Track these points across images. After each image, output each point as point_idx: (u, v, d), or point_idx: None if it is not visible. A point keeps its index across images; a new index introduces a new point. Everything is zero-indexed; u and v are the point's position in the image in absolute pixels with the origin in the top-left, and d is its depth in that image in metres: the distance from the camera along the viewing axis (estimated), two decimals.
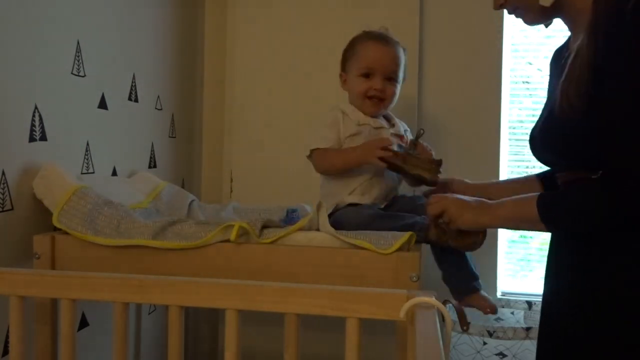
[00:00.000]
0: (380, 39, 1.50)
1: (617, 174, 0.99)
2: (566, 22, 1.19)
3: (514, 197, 1.18)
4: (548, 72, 1.28)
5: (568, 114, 1.04)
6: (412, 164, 1.36)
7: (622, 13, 0.96)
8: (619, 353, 1.04)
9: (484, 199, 1.24)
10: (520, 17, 1.21)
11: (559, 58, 1.19)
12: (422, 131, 1.42)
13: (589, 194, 1.05)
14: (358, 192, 1.45)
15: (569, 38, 1.20)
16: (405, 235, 1.25)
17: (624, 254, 1.05)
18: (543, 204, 1.10)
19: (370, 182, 1.45)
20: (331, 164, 1.46)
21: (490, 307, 1.37)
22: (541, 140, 1.17)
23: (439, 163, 1.38)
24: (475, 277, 1.37)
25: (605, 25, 1.00)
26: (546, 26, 1.24)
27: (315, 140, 1.47)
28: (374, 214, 1.40)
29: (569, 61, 1.06)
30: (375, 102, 1.48)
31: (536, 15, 1.18)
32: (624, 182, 0.98)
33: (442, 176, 1.40)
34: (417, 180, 1.40)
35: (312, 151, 1.47)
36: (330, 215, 1.40)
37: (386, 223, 1.34)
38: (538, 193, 1.13)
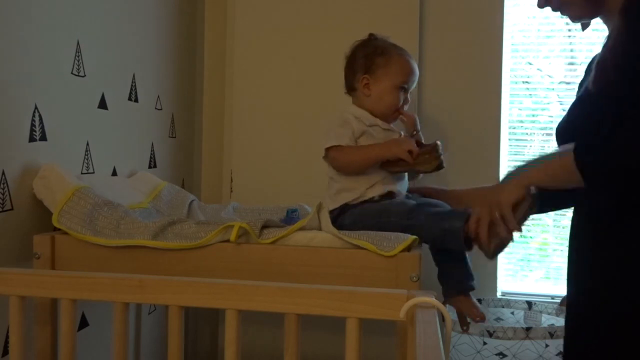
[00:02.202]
0: (411, 56, 1.55)
1: None
2: (605, 20, 1.18)
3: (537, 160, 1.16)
4: (583, 74, 1.28)
5: (605, 88, 1.05)
6: (420, 161, 1.41)
7: None
8: None
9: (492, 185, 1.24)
10: (566, 14, 1.20)
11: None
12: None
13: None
14: (379, 186, 1.45)
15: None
16: (409, 238, 1.25)
17: None
18: (580, 150, 1.05)
19: (392, 177, 1.47)
20: (351, 160, 1.45)
21: (480, 316, 1.38)
22: (570, 129, 1.18)
23: (435, 148, 1.41)
24: (471, 277, 1.38)
25: (637, 8, 1.02)
26: (585, 27, 1.23)
27: (328, 139, 1.46)
28: (421, 202, 1.42)
29: (604, 44, 1.09)
30: (397, 115, 1.54)
31: (581, 10, 1.17)
32: None
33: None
34: (420, 172, 1.45)
35: (327, 150, 1.46)
36: (345, 211, 1.42)
37: (429, 209, 1.36)
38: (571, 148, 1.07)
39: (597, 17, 1.20)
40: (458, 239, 1.27)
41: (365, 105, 1.52)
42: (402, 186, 1.50)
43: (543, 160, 1.15)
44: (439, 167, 1.42)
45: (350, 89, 1.57)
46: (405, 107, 1.56)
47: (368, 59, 1.53)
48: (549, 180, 1.13)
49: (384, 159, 1.43)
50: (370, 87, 1.51)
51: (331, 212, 1.42)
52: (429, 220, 1.32)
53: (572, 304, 1.21)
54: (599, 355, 1.12)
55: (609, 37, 1.11)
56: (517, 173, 1.18)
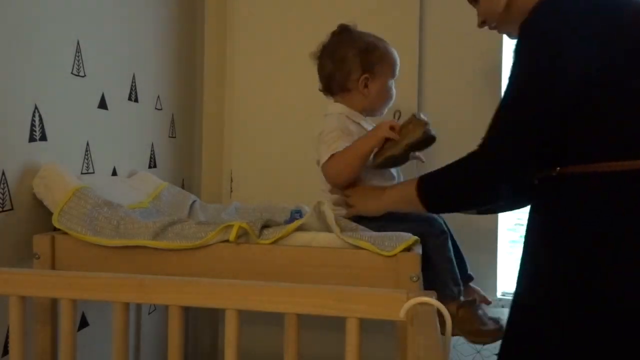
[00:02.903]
0: (388, 43, 1.54)
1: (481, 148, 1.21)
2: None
3: (401, 182, 1.37)
4: None
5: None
6: (405, 133, 1.38)
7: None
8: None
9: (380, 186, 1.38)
10: (502, 32, 1.36)
11: None
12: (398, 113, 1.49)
13: (460, 165, 1.23)
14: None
15: None
16: (410, 238, 1.25)
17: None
18: (421, 184, 1.26)
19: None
20: (346, 164, 1.40)
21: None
22: None
23: (414, 115, 1.39)
24: (457, 284, 1.38)
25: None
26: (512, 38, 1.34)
27: (325, 151, 1.41)
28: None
29: None
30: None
31: (503, 26, 1.32)
32: (484, 150, 1.20)
33: None
34: (413, 149, 1.43)
35: (325, 163, 1.42)
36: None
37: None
38: (418, 178, 1.28)
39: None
40: None
41: (359, 104, 1.49)
42: None
43: (396, 186, 1.38)
44: (427, 134, 1.37)
45: (341, 89, 1.51)
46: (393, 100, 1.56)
47: (364, 57, 1.47)
48: (400, 205, 1.34)
49: (373, 147, 1.39)
50: (369, 86, 1.48)
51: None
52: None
53: (518, 298, 1.26)
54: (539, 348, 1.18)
55: None
56: (378, 190, 1.38)
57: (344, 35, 1.51)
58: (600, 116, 1.13)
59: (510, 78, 1.19)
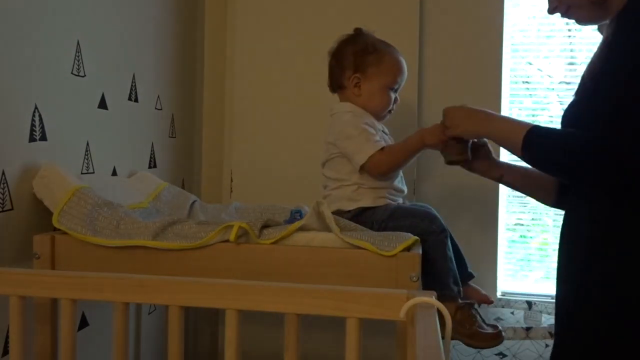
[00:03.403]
0: (400, 54, 1.54)
1: (612, 140, 1.07)
2: (607, 27, 1.22)
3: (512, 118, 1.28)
4: None
5: (583, 93, 1.17)
6: (449, 151, 1.40)
7: None
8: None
9: (489, 112, 1.32)
10: (574, 18, 1.23)
11: None
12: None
13: (579, 139, 1.12)
14: (400, 181, 1.53)
15: None
16: (410, 238, 1.25)
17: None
18: (530, 135, 1.17)
19: (396, 188, 1.52)
20: (396, 159, 1.44)
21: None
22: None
23: (460, 141, 1.39)
24: (457, 283, 1.38)
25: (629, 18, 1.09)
26: (599, 28, 1.26)
27: (366, 146, 1.44)
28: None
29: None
30: (388, 114, 1.55)
31: (589, 14, 1.20)
32: (615, 147, 1.06)
33: None
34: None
35: (373, 155, 1.43)
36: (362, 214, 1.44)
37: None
38: (533, 125, 1.19)
39: (603, 22, 1.22)
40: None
41: (355, 103, 1.52)
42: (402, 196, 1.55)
43: (507, 119, 1.31)
44: (448, 161, 1.41)
45: (338, 86, 1.55)
46: (395, 107, 1.56)
47: (358, 56, 1.50)
48: (499, 138, 1.27)
49: (419, 150, 1.43)
50: (360, 86, 1.50)
51: (348, 211, 1.46)
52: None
53: (562, 302, 1.22)
54: (589, 353, 1.13)
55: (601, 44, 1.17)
56: (488, 115, 1.31)
57: (351, 36, 1.55)
58: None
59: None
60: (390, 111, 1.56)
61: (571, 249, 1.21)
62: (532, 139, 1.16)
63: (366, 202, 1.46)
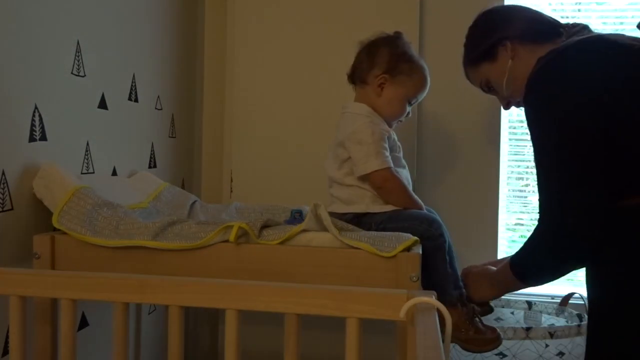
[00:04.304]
0: (429, 73, 1.56)
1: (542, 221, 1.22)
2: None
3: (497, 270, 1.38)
4: None
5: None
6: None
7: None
8: None
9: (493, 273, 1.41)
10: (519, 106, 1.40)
11: None
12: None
13: (546, 248, 1.24)
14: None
15: None
16: (410, 239, 1.25)
17: None
18: (514, 265, 1.29)
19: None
20: (398, 196, 1.44)
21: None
22: None
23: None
24: (457, 287, 1.38)
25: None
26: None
27: (368, 161, 1.42)
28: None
29: None
30: (396, 124, 1.55)
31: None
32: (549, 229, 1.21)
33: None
34: None
35: (377, 172, 1.42)
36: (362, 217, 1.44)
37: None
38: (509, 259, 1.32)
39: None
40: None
41: (371, 103, 1.49)
42: None
43: (500, 278, 1.37)
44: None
45: (360, 80, 1.52)
46: (404, 120, 1.56)
47: (394, 59, 1.48)
48: (506, 291, 1.39)
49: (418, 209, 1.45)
50: (383, 88, 1.48)
51: (346, 214, 1.45)
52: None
53: (594, 303, 1.25)
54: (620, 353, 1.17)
55: None
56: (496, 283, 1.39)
57: (391, 37, 1.53)
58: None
59: (539, 142, 1.22)
60: (399, 121, 1.55)
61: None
62: (521, 276, 1.29)
63: (374, 207, 1.45)
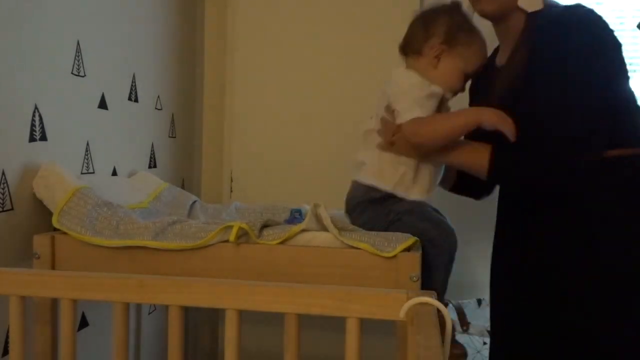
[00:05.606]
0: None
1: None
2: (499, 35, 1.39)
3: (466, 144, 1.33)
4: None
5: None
6: None
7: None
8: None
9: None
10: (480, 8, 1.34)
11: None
12: None
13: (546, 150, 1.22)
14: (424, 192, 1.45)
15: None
16: (410, 239, 1.25)
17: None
18: (498, 158, 1.26)
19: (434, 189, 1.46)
20: (434, 129, 1.29)
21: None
22: None
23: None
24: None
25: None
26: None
27: (410, 109, 1.30)
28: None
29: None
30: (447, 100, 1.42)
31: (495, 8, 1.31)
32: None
33: None
34: None
35: (411, 121, 1.29)
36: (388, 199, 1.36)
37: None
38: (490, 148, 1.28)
39: (501, 20, 1.36)
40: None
41: (425, 73, 1.36)
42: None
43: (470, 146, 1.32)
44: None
45: (414, 51, 1.39)
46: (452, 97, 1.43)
47: (453, 29, 1.35)
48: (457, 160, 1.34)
49: (472, 127, 1.28)
50: (440, 59, 1.36)
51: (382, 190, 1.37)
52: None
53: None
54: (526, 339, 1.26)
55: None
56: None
57: (450, 7, 1.40)
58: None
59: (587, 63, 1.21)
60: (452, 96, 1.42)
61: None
62: (500, 166, 1.27)
63: (399, 190, 1.35)
